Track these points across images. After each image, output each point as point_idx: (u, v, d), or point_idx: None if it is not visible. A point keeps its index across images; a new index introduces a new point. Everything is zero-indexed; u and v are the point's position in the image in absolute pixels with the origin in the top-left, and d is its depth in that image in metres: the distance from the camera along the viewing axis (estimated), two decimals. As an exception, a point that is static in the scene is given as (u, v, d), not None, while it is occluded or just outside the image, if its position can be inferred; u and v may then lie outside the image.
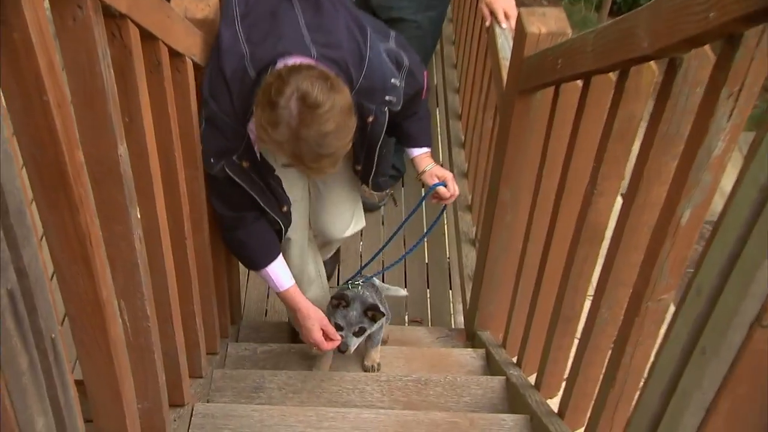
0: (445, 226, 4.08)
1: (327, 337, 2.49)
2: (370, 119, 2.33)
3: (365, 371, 2.79)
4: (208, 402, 2.55)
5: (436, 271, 3.93)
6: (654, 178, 1.75)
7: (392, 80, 2.34)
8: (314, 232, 2.95)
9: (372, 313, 2.55)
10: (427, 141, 2.73)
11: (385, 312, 2.61)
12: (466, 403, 2.66)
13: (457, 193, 2.72)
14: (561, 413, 2.29)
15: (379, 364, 2.83)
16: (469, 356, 3.05)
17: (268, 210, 2.45)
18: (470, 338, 3.30)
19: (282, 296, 2.51)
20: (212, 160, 2.28)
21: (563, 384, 2.40)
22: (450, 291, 3.84)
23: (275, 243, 2.51)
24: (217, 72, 2.21)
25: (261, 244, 2.47)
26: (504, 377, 2.73)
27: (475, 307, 3.21)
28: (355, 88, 2.22)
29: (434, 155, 4.31)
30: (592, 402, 2.09)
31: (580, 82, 2.21)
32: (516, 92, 2.61)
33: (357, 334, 2.56)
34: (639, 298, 1.76)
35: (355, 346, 2.59)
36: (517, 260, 2.88)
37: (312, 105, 1.96)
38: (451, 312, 3.72)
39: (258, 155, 2.36)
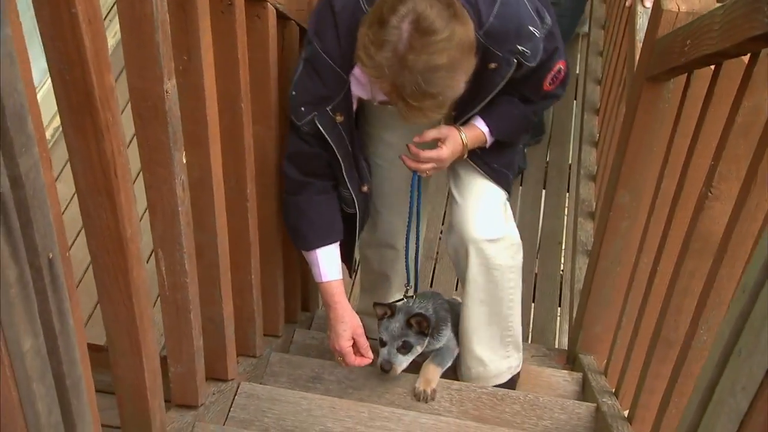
0: (563, 234, 4.02)
1: (358, 351, 2.46)
2: (492, 66, 2.17)
3: (414, 396, 2.61)
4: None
5: (546, 284, 3.88)
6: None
7: (530, 27, 2.16)
8: (450, 237, 2.66)
9: (416, 320, 2.44)
10: (499, 129, 2.45)
11: (429, 318, 2.50)
12: (545, 428, 2.62)
13: (429, 155, 2.33)
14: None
15: (434, 391, 2.60)
16: (563, 378, 3.00)
17: (346, 180, 2.38)
18: (571, 361, 3.24)
19: (322, 288, 2.46)
20: (303, 109, 2.23)
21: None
22: (558, 308, 3.78)
23: (337, 225, 2.45)
24: (326, 6, 2.16)
25: (321, 219, 2.40)
26: (594, 405, 2.67)
27: (579, 326, 3.15)
28: (483, 27, 2.09)
29: (563, 153, 4.28)
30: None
31: (712, 68, 2.14)
32: (644, 79, 2.54)
33: (402, 351, 2.47)
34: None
35: (402, 367, 2.50)
36: (629, 274, 2.81)
37: (426, 30, 1.88)
38: (556, 331, 3.67)
39: (354, 109, 2.31)
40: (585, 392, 2.93)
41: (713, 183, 1.97)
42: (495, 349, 2.77)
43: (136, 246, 1.64)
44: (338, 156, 2.34)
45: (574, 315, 3.35)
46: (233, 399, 2.46)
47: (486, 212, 2.56)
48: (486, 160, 2.52)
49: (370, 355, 2.43)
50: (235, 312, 2.36)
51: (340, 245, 2.51)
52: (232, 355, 2.40)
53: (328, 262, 2.42)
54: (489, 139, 2.44)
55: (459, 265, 2.65)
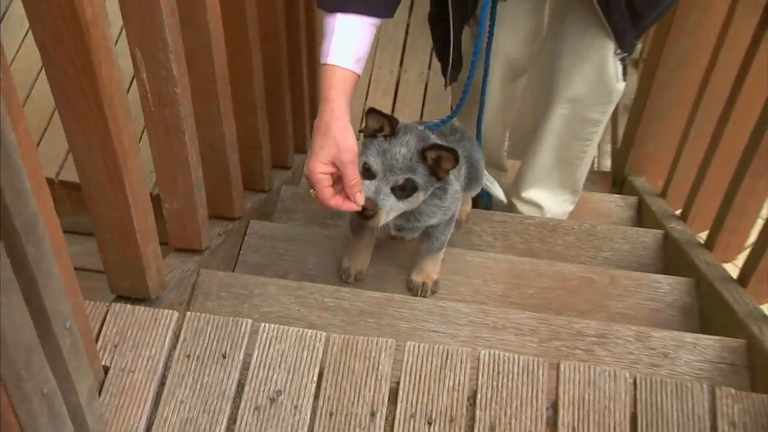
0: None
1: (340, 190, 1.57)
2: None
3: (410, 290, 1.93)
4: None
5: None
6: None
7: None
8: (539, 94, 2.19)
9: (436, 154, 1.58)
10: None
11: (456, 154, 1.59)
12: (605, 259, 2.24)
13: None
14: (742, 281, 1.83)
15: (435, 284, 1.93)
16: (615, 204, 2.60)
17: None
18: (617, 185, 2.84)
19: (321, 74, 1.61)
20: None
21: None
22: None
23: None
24: None
25: None
26: (661, 231, 2.27)
27: (629, 144, 2.73)
28: None
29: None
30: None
31: None
32: None
33: (399, 193, 1.59)
34: None
35: (391, 216, 1.61)
36: (698, 81, 2.36)
37: None
38: (596, 152, 3.23)
39: None
40: (642, 217, 2.54)
41: None
42: (553, 193, 2.41)
43: (102, 33, 1.16)
44: None
45: (621, 133, 2.92)
46: (243, 240, 2.05)
47: (589, 63, 2.06)
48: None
49: (360, 199, 1.54)
50: (238, 137, 1.91)
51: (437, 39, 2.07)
52: (238, 188, 1.96)
53: (345, 37, 1.59)
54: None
55: (538, 107, 2.20)
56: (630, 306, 1.94)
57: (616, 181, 2.86)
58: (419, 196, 1.63)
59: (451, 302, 1.75)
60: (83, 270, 1.46)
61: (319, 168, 1.54)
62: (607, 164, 3.19)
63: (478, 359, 1.42)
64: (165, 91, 1.50)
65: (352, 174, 1.54)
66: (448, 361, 1.41)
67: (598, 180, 2.91)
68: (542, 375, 1.40)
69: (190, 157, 1.62)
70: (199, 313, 1.43)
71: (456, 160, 1.59)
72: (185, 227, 1.73)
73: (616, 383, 1.39)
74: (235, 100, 1.96)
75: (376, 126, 1.62)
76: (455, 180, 1.80)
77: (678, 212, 2.39)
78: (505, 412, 1.36)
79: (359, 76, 1.62)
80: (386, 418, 1.35)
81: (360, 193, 1.54)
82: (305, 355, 1.41)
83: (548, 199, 2.41)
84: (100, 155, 1.29)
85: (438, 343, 1.48)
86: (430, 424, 1.34)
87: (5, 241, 0.94)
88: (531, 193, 2.41)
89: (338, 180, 1.57)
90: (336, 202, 1.55)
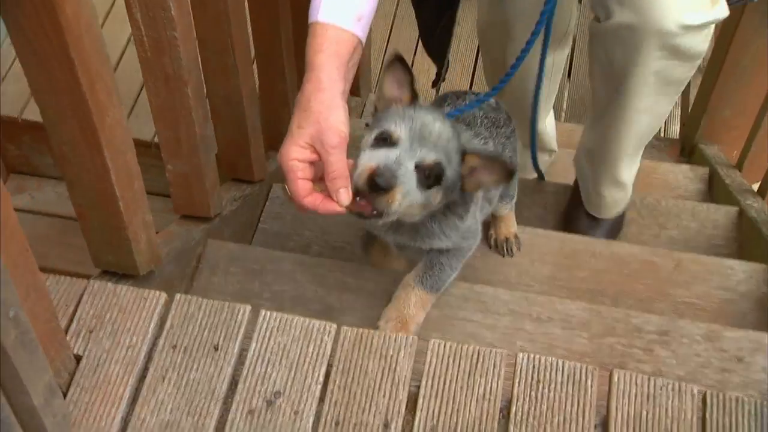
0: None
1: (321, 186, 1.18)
2: None
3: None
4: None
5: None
6: None
7: None
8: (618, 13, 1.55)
9: (483, 162, 1.22)
10: None
11: (513, 170, 1.24)
12: (670, 239, 1.99)
13: None
14: (833, 273, 1.58)
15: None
16: (683, 175, 2.34)
17: None
18: (686, 153, 2.57)
19: (311, 33, 1.22)
20: None
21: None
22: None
23: None
24: None
25: None
26: (736, 208, 2.01)
27: (702, 109, 2.46)
28: None
29: None
30: None
31: None
32: None
33: (423, 176, 1.18)
34: None
35: (404, 204, 1.17)
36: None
37: None
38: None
39: None
40: (714, 191, 2.28)
41: None
42: (634, 164, 1.89)
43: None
44: None
45: (693, 97, 2.64)
46: (263, 206, 1.84)
47: None
48: None
49: (344, 198, 1.14)
50: (261, 92, 1.69)
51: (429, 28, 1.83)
52: (258, 148, 1.75)
53: None
54: None
55: (617, 58, 1.57)
56: (697, 295, 1.69)
57: (685, 149, 2.59)
58: (437, 196, 1.22)
59: (489, 288, 1.52)
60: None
61: (294, 152, 1.15)
62: (675, 130, 2.90)
63: (515, 363, 1.19)
64: (163, 35, 1.30)
65: (337, 163, 1.13)
66: (479, 364, 1.18)
67: (664, 148, 2.63)
68: (591, 385, 1.16)
69: (195, 113, 1.42)
70: (189, 296, 1.23)
71: (509, 178, 1.23)
72: (191, 192, 1.54)
73: (681, 400, 1.15)
74: (258, 50, 1.75)
75: (395, 93, 1.25)
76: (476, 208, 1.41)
77: (755, 187, 2.13)
78: (545, 429, 1.13)
79: (362, 42, 1.23)
80: (402, 430, 1.14)
81: (345, 189, 1.14)
82: (311, 350, 1.19)
83: (631, 173, 1.90)
84: (71, 110, 1.08)
85: (472, 336, 1.27)
86: (454, 439, 1.13)
87: None
88: (621, 173, 1.88)
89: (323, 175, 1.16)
90: (312, 200, 1.16)
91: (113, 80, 1.12)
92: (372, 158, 1.16)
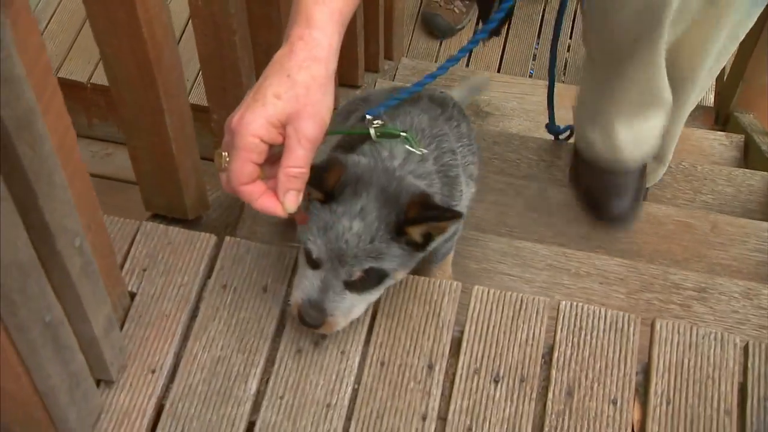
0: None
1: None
2: None
3: None
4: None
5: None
6: None
7: None
8: None
9: (425, 228, 1.07)
10: None
11: (460, 213, 1.09)
12: (704, 203, 1.99)
13: None
14: None
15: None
16: (718, 142, 2.33)
17: None
18: (720, 122, 2.56)
19: None
20: None
21: None
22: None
23: None
24: None
25: None
26: (771, 175, 2.02)
27: (738, 75, 2.44)
28: None
29: None
30: None
31: None
32: None
33: (358, 286, 1.09)
34: None
35: (350, 318, 1.13)
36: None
37: None
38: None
39: None
40: (748, 158, 2.28)
41: None
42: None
43: None
44: None
45: (728, 65, 2.62)
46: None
47: None
48: None
49: (290, 202, 0.94)
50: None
51: None
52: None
53: None
54: None
55: None
56: (734, 257, 1.70)
57: (720, 117, 2.58)
58: (396, 277, 1.12)
59: (528, 242, 1.54)
60: (126, 182, 1.30)
61: (260, 128, 0.90)
62: (710, 98, 2.89)
63: (558, 310, 1.21)
64: (213, -17, 1.31)
65: (302, 159, 0.92)
66: (522, 311, 1.20)
67: (699, 115, 2.62)
68: (633, 333, 1.18)
69: (241, 62, 1.44)
70: (238, 239, 1.26)
71: (458, 219, 1.06)
72: (235, 142, 1.56)
73: (723, 349, 1.17)
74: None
75: (331, 177, 1.04)
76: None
77: (791, 155, 2.12)
78: (587, 375, 1.16)
79: None
80: (446, 372, 1.16)
81: (297, 193, 0.93)
82: (357, 293, 1.22)
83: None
84: (129, 49, 1.11)
85: (511, 289, 1.29)
86: (496, 382, 1.15)
87: (-8, 140, 0.77)
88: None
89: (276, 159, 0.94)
90: (250, 191, 0.93)
91: (170, 21, 1.14)
92: (299, 287, 1.09)
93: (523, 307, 1.21)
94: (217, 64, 1.43)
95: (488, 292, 1.22)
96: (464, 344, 1.18)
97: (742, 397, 1.15)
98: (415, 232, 1.05)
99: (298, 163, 0.91)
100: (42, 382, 0.97)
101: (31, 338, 0.91)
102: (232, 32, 1.38)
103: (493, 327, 1.20)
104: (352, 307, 1.10)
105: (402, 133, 1.13)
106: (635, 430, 1.13)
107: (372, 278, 1.07)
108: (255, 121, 0.90)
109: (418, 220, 1.04)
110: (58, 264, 0.93)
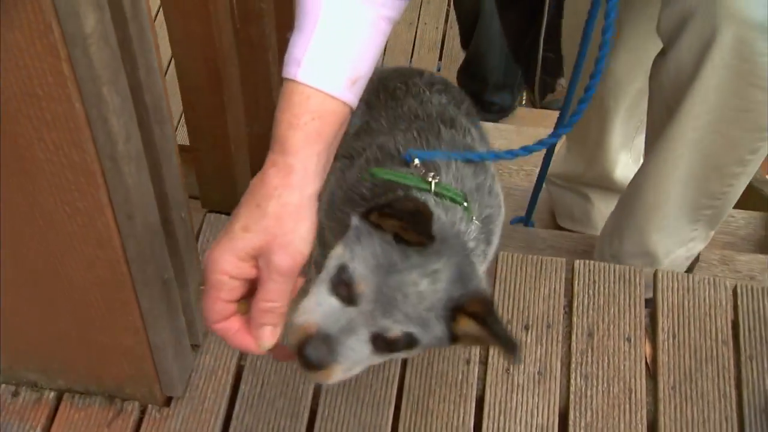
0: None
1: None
2: None
3: None
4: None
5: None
6: None
7: None
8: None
9: (481, 328, 0.89)
10: None
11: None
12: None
13: None
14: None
15: None
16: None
17: None
18: None
19: (285, 92, 0.89)
20: None
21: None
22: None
23: None
24: None
25: None
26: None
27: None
28: None
29: None
30: None
31: None
32: None
33: (381, 345, 0.90)
34: None
35: (350, 373, 0.92)
36: None
37: None
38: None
39: None
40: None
41: None
42: (679, 229, 1.44)
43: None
44: None
45: None
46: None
47: None
48: None
49: (266, 339, 0.87)
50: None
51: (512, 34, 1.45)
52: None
53: (335, 34, 0.89)
54: None
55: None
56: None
57: None
58: (413, 353, 0.96)
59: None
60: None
61: (226, 264, 0.84)
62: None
63: (573, 268, 1.43)
64: (252, 7, 1.51)
65: (276, 293, 0.85)
66: (543, 270, 1.42)
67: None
68: (639, 283, 1.41)
69: (272, 78, 1.63)
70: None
71: (510, 351, 0.87)
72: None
73: (717, 291, 1.40)
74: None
75: (398, 226, 0.89)
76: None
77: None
78: (603, 319, 1.37)
79: (353, 110, 0.91)
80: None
81: (273, 328, 0.87)
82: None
83: (671, 240, 1.47)
84: (202, 59, 1.30)
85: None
86: (527, 329, 1.35)
87: (137, 118, 0.96)
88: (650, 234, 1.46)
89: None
90: (224, 329, 0.88)
91: (233, 32, 1.34)
92: (316, 310, 0.90)
93: (544, 267, 1.42)
94: (252, 79, 1.62)
95: (512, 256, 1.43)
96: (496, 301, 1.38)
97: (735, 330, 1.37)
98: (467, 325, 0.90)
99: (270, 297, 0.85)
100: (156, 336, 1.13)
101: (153, 294, 1.08)
102: (265, 50, 1.57)
103: (519, 284, 1.40)
104: (360, 362, 0.91)
105: (464, 204, 1.03)
106: (648, 361, 1.34)
107: (401, 343, 0.90)
108: (221, 257, 0.84)
109: (476, 317, 0.89)
110: (170, 231, 1.11)
